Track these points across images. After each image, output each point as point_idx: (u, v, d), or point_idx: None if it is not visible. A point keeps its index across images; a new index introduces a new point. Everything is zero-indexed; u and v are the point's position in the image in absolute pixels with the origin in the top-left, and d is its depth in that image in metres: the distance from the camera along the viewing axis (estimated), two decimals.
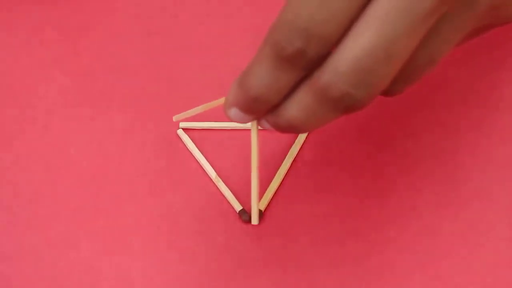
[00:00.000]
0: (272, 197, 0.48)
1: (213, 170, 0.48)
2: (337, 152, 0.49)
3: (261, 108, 0.40)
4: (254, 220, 0.43)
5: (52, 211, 0.47)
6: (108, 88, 0.50)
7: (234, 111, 0.40)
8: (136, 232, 0.46)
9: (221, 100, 0.44)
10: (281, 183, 0.48)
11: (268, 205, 0.47)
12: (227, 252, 0.46)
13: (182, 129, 0.49)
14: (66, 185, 0.48)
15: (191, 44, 0.51)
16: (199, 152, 0.48)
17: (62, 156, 0.48)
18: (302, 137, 0.49)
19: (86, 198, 0.47)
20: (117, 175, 0.48)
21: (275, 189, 0.47)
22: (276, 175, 0.48)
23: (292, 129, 0.40)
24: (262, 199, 0.47)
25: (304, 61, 0.38)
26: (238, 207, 0.47)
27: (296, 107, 0.39)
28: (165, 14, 0.52)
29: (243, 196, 0.48)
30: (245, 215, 0.47)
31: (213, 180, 0.48)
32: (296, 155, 0.49)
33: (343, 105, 0.38)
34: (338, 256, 0.46)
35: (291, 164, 0.48)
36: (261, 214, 0.47)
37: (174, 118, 0.48)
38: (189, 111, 0.46)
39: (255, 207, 0.43)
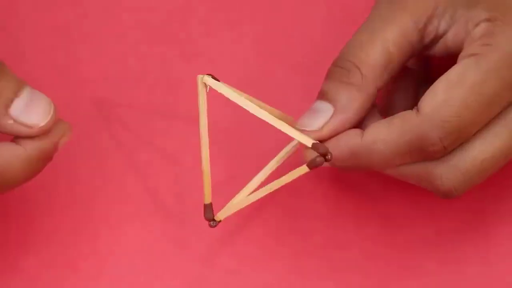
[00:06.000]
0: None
1: (207, 148, 0.42)
2: None
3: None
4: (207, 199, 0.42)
5: (48, 232, 0.47)
6: (112, 97, 0.50)
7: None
8: (140, 257, 0.46)
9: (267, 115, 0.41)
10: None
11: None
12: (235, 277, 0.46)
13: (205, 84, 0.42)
14: (64, 203, 0.47)
15: (198, 52, 0.51)
16: (205, 116, 0.42)
17: (60, 169, 0.48)
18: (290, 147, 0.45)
19: (86, 218, 0.47)
20: (119, 195, 0.48)
21: (246, 203, 0.43)
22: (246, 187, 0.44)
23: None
24: (224, 209, 0.43)
25: (439, 156, 0.40)
26: (207, 200, 0.43)
27: (397, 174, 0.42)
28: (172, 21, 0.52)
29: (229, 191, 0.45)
30: (209, 212, 0.43)
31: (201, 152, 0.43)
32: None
33: (440, 194, 0.41)
34: (336, 261, 0.46)
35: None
36: (218, 223, 0.43)
37: (206, 79, 0.42)
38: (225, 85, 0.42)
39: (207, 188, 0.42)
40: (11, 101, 0.40)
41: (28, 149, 0.40)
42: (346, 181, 0.47)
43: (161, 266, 0.46)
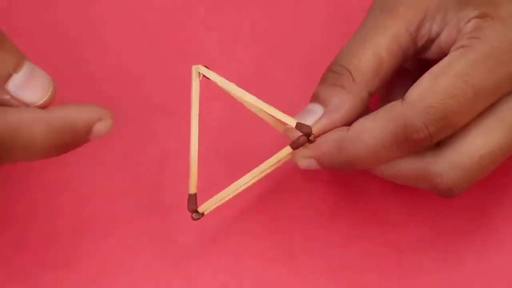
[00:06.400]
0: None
1: (197, 136, 0.42)
2: None
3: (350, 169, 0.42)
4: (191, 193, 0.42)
5: (47, 232, 0.47)
6: (112, 97, 0.50)
7: (310, 162, 0.42)
8: (140, 257, 0.46)
9: (259, 103, 0.41)
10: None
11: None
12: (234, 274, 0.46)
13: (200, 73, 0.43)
14: (63, 202, 0.47)
15: (197, 52, 0.51)
16: (197, 104, 0.42)
17: (59, 169, 0.48)
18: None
19: (85, 217, 0.47)
20: (119, 195, 0.48)
21: (229, 196, 0.43)
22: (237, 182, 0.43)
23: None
24: (210, 201, 0.43)
25: (426, 145, 0.40)
26: (192, 190, 0.43)
27: (395, 174, 0.42)
28: (172, 21, 0.52)
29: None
30: (192, 203, 0.42)
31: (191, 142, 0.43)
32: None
33: (440, 192, 0.41)
34: (336, 260, 0.46)
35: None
36: (201, 215, 0.43)
37: (201, 69, 0.43)
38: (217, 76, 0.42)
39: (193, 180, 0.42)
40: (9, 75, 0.38)
41: (51, 113, 0.37)
42: (345, 182, 0.47)
43: (161, 266, 0.46)
